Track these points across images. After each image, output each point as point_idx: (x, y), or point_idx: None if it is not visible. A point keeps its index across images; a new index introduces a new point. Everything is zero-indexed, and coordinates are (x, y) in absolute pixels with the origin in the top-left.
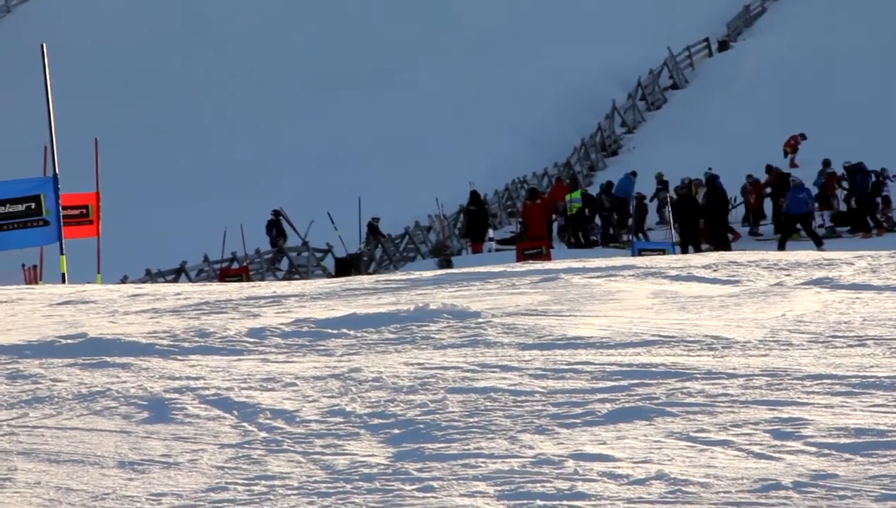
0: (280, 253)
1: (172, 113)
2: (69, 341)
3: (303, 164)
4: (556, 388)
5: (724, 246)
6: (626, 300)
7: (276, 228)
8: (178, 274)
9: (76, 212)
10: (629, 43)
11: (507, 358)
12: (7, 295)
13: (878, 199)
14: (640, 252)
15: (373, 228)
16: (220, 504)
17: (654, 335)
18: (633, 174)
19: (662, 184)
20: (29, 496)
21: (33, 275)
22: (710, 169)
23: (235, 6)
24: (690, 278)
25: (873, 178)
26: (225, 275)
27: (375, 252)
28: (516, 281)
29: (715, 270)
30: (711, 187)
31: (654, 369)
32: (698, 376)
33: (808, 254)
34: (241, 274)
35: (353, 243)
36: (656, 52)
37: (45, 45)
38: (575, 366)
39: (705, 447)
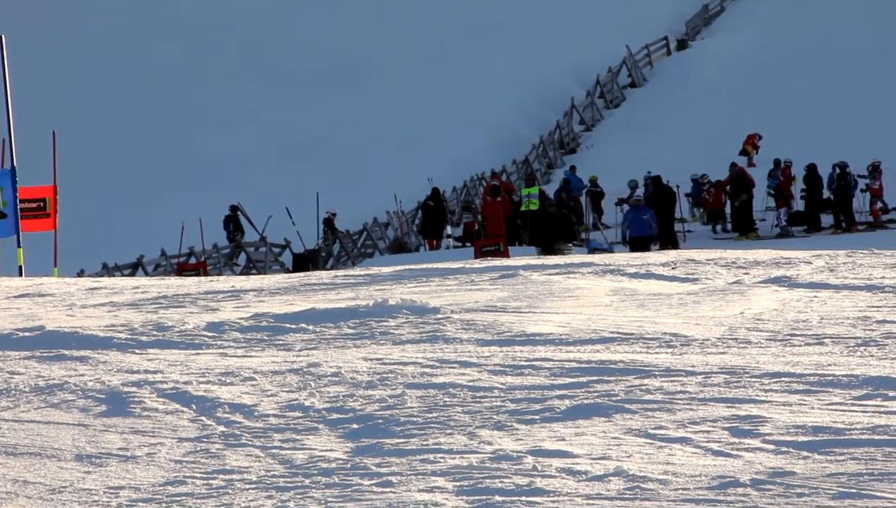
0: (238, 248)
1: (130, 108)
2: (26, 334)
3: (261, 160)
4: (515, 384)
5: (673, 243)
6: (584, 297)
7: (233, 223)
8: (134, 268)
9: (33, 205)
10: (588, 41)
11: (466, 354)
12: None
13: (854, 191)
14: (593, 250)
15: (329, 223)
16: (178, 498)
17: (612, 332)
18: (573, 169)
19: (596, 186)
20: None
21: None
22: (649, 172)
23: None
24: (649, 276)
25: (837, 171)
26: (182, 270)
27: (333, 247)
28: (475, 277)
29: (673, 268)
30: (658, 185)
31: (612, 366)
32: (657, 373)
33: (767, 253)
34: (199, 269)
35: (310, 239)
36: (615, 51)
37: (2, 36)
38: (534, 363)
39: (664, 444)
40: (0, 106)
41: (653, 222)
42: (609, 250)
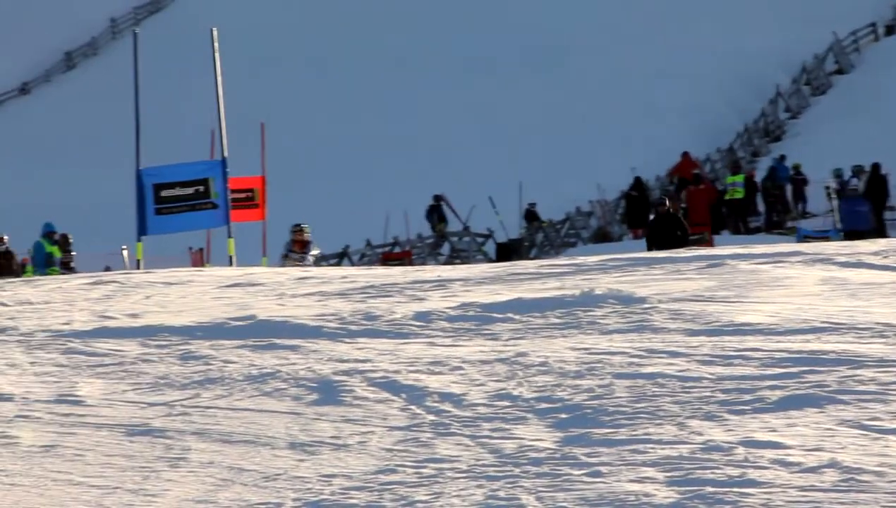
0: (441, 238)
1: (335, 97)
2: (239, 323)
3: (464, 148)
4: (725, 375)
5: (883, 233)
6: (794, 286)
7: (436, 213)
8: (340, 258)
9: (243, 195)
10: (793, 27)
11: (674, 344)
12: (177, 278)
13: None
14: (805, 238)
15: (530, 214)
16: (389, 486)
17: (823, 322)
18: (782, 158)
19: (799, 174)
20: (202, 475)
21: (200, 258)
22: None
23: None
24: (860, 265)
25: None
26: (387, 260)
27: (536, 237)
28: (681, 266)
29: (885, 257)
30: (874, 173)
31: (824, 356)
32: (870, 363)
33: None
34: (404, 259)
35: (513, 228)
36: (821, 37)
37: (214, 29)
38: (743, 353)
39: (879, 435)
40: (211, 98)
41: (870, 215)
42: (826, 237)
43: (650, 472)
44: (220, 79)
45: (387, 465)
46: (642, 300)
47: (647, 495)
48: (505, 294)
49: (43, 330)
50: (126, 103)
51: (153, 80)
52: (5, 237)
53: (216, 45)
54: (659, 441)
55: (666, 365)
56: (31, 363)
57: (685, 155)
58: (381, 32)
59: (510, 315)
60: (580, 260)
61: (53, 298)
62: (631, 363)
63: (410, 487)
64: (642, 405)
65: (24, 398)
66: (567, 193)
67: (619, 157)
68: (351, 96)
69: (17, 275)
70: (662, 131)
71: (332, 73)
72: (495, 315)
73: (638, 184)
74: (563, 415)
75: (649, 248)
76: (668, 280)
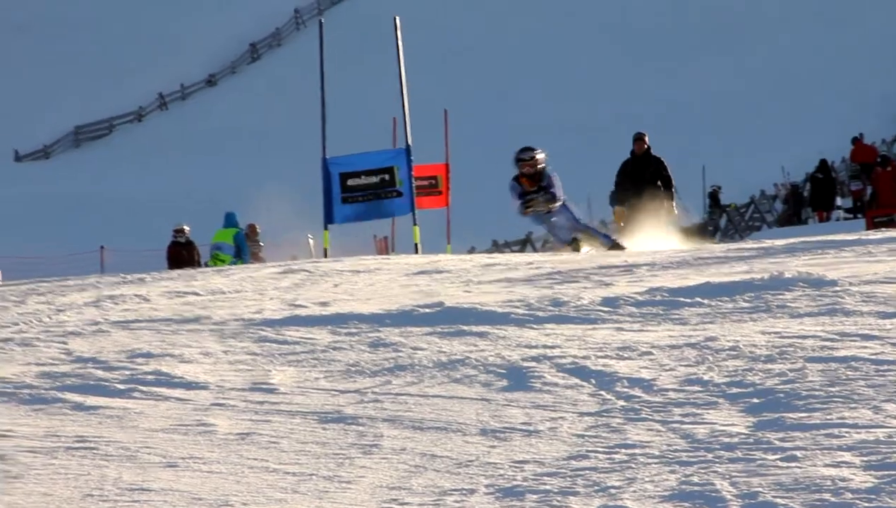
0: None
1: (515, 85)
2: (427, 310)
3: (646, 132)
4: None
5: None
6: None
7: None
8: (523, 244)
9: (426, 182)
10: None
11: (867, 327)
12: (365, 266)
13: None
14: None
15: (714, 197)
16: (581, 472)
17: None
18: None
19: None
20: (395, 462)
21: (385, 246)
22: None
23: None
24: None
25: None
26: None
27: (720, 221)
28: (872, 248)
29: None
30: None
31: None
32: None
33: None
34: None
35: (696, 213)
36: None
37: (397, 17)
38: None
39: None
40: (394, 86)
41: None
42: None
43: (846, 457)
44: (402, 67)
45: (578, 451)
46: (833, 283)
47: (843, 480)
48: (692, 278)
49: (235, 319)
50: (310, 93)
51: (337, 70)
52: (186, 228)
53: (399, 32)
54: (854, 426)
55: (859, 348)
56: (225, 352)
57: (856, 140)
58: (557, 18)
59: (698, 299)
60: (767, 243)
61: (244, 287)
62: (823, 346)
63: (603, 473)
64: (836, 389)
65: (218, 386)
66: (751, 176)
67: (804, 140)
68: (531, 84)
69: (198, 266)
70: (850, 113)
71: (511, 62)
72: (683, 299)
73: (823, 166)
74: (755, 400)
75: (619, 200)
76: (859, 262)
